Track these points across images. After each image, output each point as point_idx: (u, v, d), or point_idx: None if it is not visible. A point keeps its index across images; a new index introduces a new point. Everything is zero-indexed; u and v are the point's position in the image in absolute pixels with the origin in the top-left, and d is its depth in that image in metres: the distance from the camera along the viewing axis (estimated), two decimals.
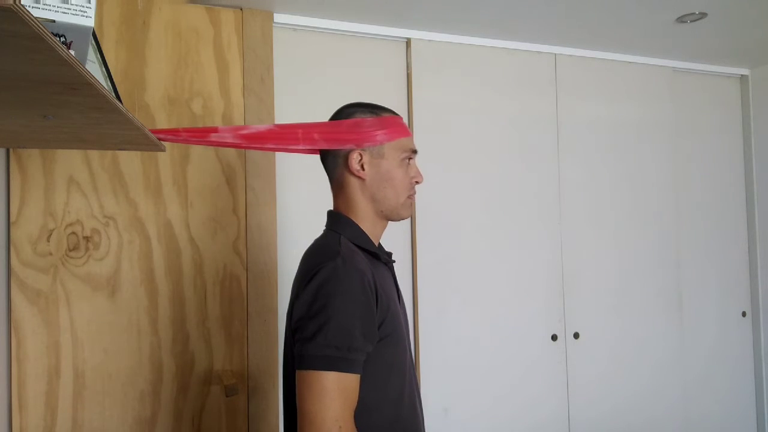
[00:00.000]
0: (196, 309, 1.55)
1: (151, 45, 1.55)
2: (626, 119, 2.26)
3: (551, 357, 2.08)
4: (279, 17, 1.74)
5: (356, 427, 0.91)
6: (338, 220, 1.06)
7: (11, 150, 1.41)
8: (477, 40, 2.01)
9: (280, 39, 1.75)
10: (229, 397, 1.49)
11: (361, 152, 1.04)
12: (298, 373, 0.91)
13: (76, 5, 0.72)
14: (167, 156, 1.54)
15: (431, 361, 1.89)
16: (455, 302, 1.95)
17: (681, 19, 1.91)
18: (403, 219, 1.10)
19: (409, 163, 1.08)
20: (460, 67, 2.00)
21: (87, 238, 1.47)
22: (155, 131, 1.08)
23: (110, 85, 0.98)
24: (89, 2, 0.73)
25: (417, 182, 1.09)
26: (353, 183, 1.06)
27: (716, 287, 2.43)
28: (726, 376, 2.42)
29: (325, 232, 1.08)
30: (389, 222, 1.11)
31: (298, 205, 1.76)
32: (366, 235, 1.05)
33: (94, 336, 1.46)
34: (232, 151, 1.61)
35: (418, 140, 1.89)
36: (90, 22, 0.74)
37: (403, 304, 1.15)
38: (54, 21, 0.70)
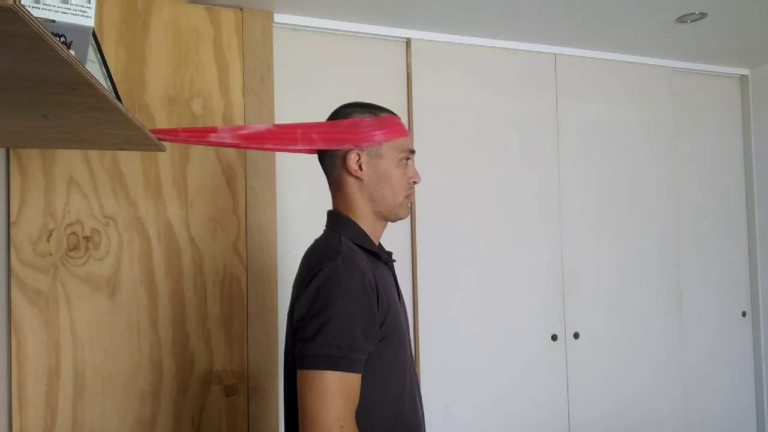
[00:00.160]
0: (196, 309, 1.55)
1: (151, 45, 1.55)
2: (626, 119, 2.26)
3: (551, 357, 2.08)
4: (279, 17, 1.74)
5: (357, 427, 0.91)
6: (338, 220, 1.06)
7: (11, 150, 1.41)
8: (477, 40, 2.01)
9: (280, 39, 1.75)
10: (229, 397, 1.49)
11: (359, 152, 1.04)
12: (299, 372, 0.91)
13: (76, 5, 0.72)
14: (167, 156, 1.54)
15: (431, 361, 1.89)
16: (455, 302, 1.95)
17: (681, 19, 1.91)
18: (401, 219, 1.10)
19: (407, 164, 1.08)
20: (460, 67, 2.00)
21: (87, 238, 1.47)
22: (155, 131, 1.08)
23: (110, 85, 0.98)
24: (89, 2, 0.73)
25: (415, 182, 1.09)
26: (351, 183, 1.06)
27: (716, 287, 2.43)
28: (726, 376, 2.42)
29: (326, 232, 1.08)
30: (389, 222, 1.11)
31: (298, 205, 1.76)
32: (366, 234, 1.06)
33: (94, 336, 1.46)
34: (232, 151, 1.61)
35: (418, 140, 1.90)
36: (90, 22, 0.74)
37: (404, 304, 1.15)
38: (54, 21, 0.70)
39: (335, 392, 0.88)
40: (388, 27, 1.88)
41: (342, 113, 1.07)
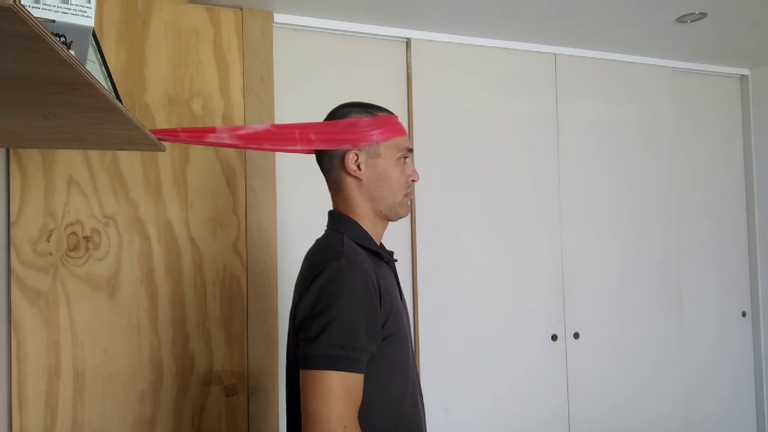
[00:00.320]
0: (196, 309, 1.55)
1: (151, 45, 1.55)
2: (626, 119, 2.26)
3: (551, 357, 2.08)
4: (279, 17, 1.74)
5: (360, 427, 0.91)
6: (340, 220, 1.06)
7: (11, 150, 1.41)
8: (477, 40, 2.01)
9: (280, 39, 1.75)
10: (229, 397, 1.49)
11: (357, 152, 1.04)
12: (302, 372, 0.91)
13: (76, 5, 0.72)
14: (167, 156, 1.54)
15: (431, 361, 1.89)
16: (455, 302, 1.95)
17: (681, 19, 1.91)
18: (401, 218, 1.10)
19: (405, 162, 1.08)
20: (460, 67, 2.00)
21: (87, 238, 1.47)
22: (154, 131, 1.08)
23: (110, 85, 0.98)
24: (89, 2, 0.73)
25: (413, 180, 1.09)
26: (350, 183, 1.06)
27: (716, 287, 2.43)
28: (726, 376, 2.42)
29: (327, 232, 1.08)
30: (389, 222, 1.11)
31: (298, 205, 1.76)
32: (368, 234, 1.06)
33: (94, 336, 1.46)
34: (232, 151, 1.61)
35: (418, 140, 1.90)
36: (90, 22, 0.74)
37: (405, 304, 1.15)
38: (54, 21, 0.70)
39: (338, 392, 0.88)
40: (388, 27, 1.88)
41: (339, 113, 1.07)
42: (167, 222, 1.54)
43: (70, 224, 1.45)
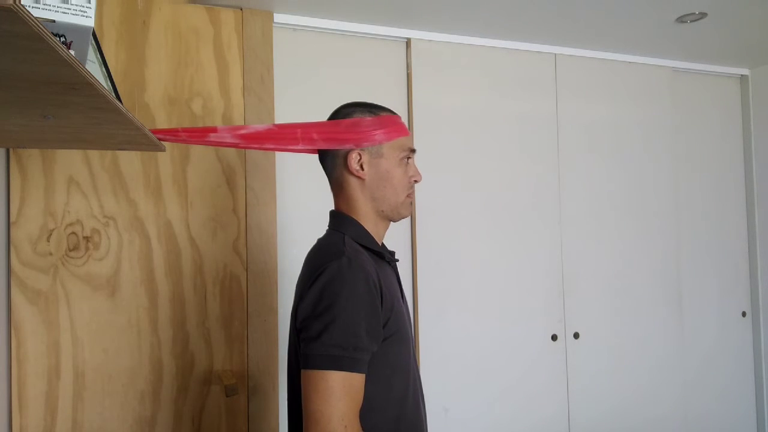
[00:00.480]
0: (196, 309, 1.55)
1: (151, 45, 1.55)
2: (626, 119, 2.26)
3: (551, 357, 2.08)
4: (279, 17, 1.74)
5: (361, 426, 0.91)
6: (342, 220, 1.06)
7: (11, 150, 1.41)
8: (477, 40, 2.01)
9: (280, 39, 1.75)
10: (229, 397, 1.49)
11: (360, 152, 1.04)
12: (303, 372, 0.91)
13: (76, 5, 0.72)
14: (167, 156, 1.54)
15: (431, 361, 1.89)
16: (455, 302, 1.95)
17: (681, 19, 1.91)
18: (403, 218, 1.10)
19: (407, 162, 1.08)
20: (460, 67, 2.00)
21: (87, 238, 1.47)
22: (155, 131, 1.08)
23: (110, 85, 0.98)
24: (89, 2, 0.73)
25: (416, 181, 1.09)
26: (353, 183, 1.06)
27: (716, 287, 2.43)
28: (726, 375, 2.42)
29: (329, 231, 1.08)
30: (391, 222, 1.11)
31: (298, 205, 1.76)
32: (370, 234, 1.06)
33: (94, 336, 1.46)
34: (232, 151, 1.61)
35: (418, 140, 1.90)
36: (90, 22, 0.74)
37: (407, 303, 1.15)
38: (54, 21, 0.70)
39: (339, 392, 0.87)
40: (388, 27, 1.88)
41: (342, 113, 1.07)
42: (167, 222, 1.54)
43: (70, 224, 1.45)
